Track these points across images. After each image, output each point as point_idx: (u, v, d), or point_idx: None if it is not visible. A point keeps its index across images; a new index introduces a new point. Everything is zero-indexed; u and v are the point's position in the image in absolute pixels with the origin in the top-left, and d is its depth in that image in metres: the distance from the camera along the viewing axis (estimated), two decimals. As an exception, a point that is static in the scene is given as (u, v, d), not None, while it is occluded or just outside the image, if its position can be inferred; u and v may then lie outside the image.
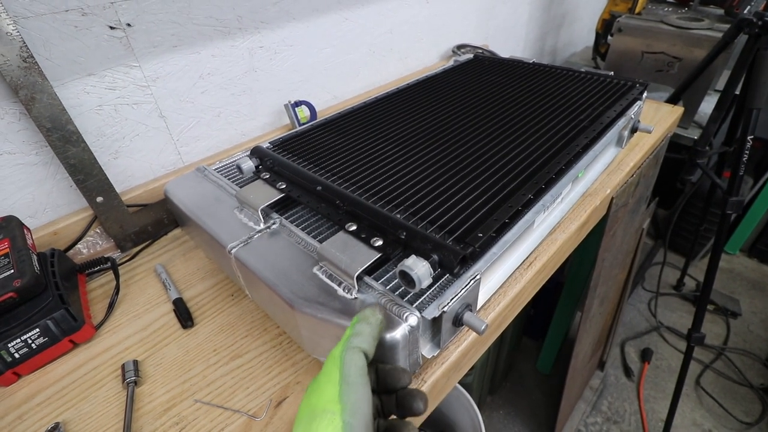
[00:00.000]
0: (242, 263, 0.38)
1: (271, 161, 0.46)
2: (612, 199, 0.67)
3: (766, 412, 1.24)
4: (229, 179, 0.50)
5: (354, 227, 0.36)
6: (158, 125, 0.65)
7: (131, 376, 0.41)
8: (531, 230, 0.47)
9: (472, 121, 0.54)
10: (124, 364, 0.42)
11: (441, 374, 0.40)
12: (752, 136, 0.85)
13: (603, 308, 1.02)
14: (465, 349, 0.43)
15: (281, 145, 0.51)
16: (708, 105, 1.00)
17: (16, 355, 0.42)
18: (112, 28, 0.55)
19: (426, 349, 0.36)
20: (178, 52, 0.62)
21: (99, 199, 0.57)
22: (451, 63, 0.80)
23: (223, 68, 0.68)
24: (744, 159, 0.88)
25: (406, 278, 0.31)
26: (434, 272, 0.32)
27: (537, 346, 1.41)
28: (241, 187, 0.46)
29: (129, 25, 0.56)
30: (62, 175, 0.57)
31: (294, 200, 0.42)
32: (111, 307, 0.50)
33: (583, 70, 0.67)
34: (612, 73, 0.67)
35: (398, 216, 0.37)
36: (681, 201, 1.31)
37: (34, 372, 0.44)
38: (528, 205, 0.40)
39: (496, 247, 0.37)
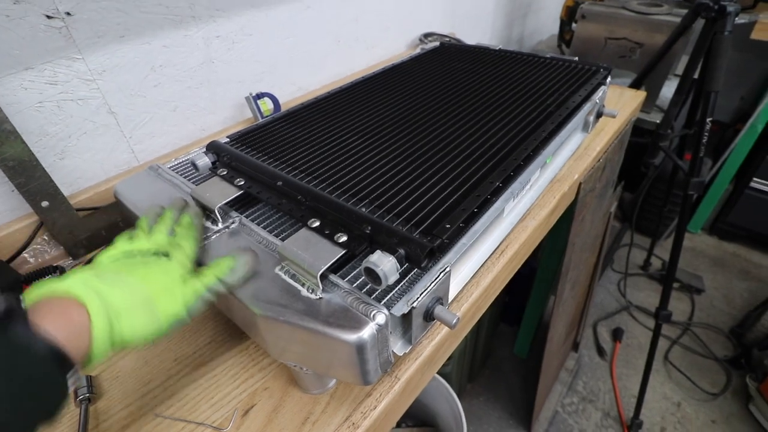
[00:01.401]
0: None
1: (228, 156, 0.43)
2: (580, 184, 0.68)
3: (730, 382, 1.31)
4: (185, 177, 0.47)
5: (317, 223, 0.34)
6: (108, 122, 0.60)
7: (84, 393, 0.38)
8: (501, 218, 0.47)
9: (438, 110, 0.52)
10: (74, 382, 0.39)
11: (415, 370, 0.39)
12: (710, 119, 0.88)
13: (575, 292, 1.04)
14: (439, 342, 0.42)
15: (239, 139, 0.49)
16: (669, 89, 1.02)
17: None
18: (49, 17, 0.51)
19: (397, 347, 0.35)
20: (126, 43, 0.58)
21: (44, 203, 0.53)
22: (417, 51, 0.79)
23: (177, 59, 0.64)
24: (704, 141, 0.90)
25: (372, 275, 0.30)
26: (401, 267, 0.31)
27: (513, 331, 1.44)
28: (197, 185, 0.43)
29: (68, 14, 0.52)
30: (1, 179, 0.52)
31: (254, 197, 0.40)
32: (61, 319, 0.46)
33: (548, 55, 0.67)
34: (577, 58, 0.67)
35: (363, 210, 0.36)
36: (645, 184, 1.35)
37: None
38: (496, 193, 0.39)
39: (465, 238, 0.36)
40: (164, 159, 0.67)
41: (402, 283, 0.34)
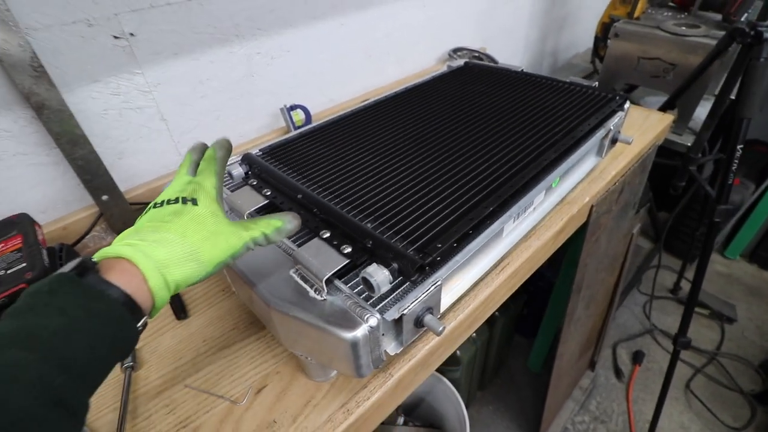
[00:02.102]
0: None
1: (258, 168, 0.50)
2: (592, 207, 0.70)
3: (755, 417, 1.25)
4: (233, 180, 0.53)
5: (327, 234, 0.40)
6: (160, 128, 0.68)
7: (129, 361, 0.46)
8: (500, 238, 0.50)
9: (451, 132, 0.56)
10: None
11: (408, 370, 0.44)
12: (741, 146, 0.86)
13: (590, 311, 1.04)
14: (433, 347, 0.46)
15: (270, 152, 0.55)
16: (703, 111, 1.01)
17: (26, 340, 0.46)
18: (116, 37, 0.59)
19: (390, 347, 0.39)
20: (178, 59, 0.66)
21: (104, 197, 0.62)
22: (444, 68, 0.83)
23: (221, 73, 0.72)
24: (733, 168, 0.89)
25: (368, 284, 0.34)
26: (395, 279, 0.35)
27: (529, 344, 1.44)
28: (232, 191, 0.49)
29: (132, 34, 0.60)
30: (71, 175, 0.61)
31: (277, 207, 0.45)
32: (112, 298, 0.54)
33: (568, 80, 0.69)
34: (596, 83, 0.69)
35: (368, 225, 0.41)
36: (679, 206, 1.32)
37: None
38: (491, 216, 0.43)
39: (459, 256, 0.40)
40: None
41: (397, 292, 0.38)
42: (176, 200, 0.33)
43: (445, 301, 0.44)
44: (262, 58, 0.76)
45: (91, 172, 0.60)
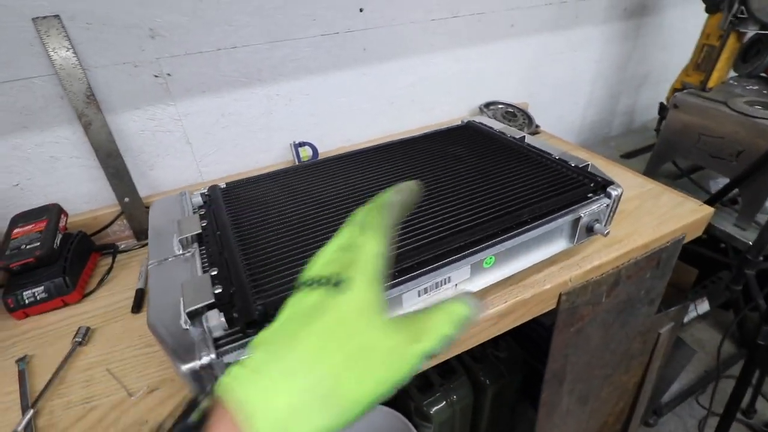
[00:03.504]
0: (149, 277, 0.50)
1: (211, 201, 0.58)
2: (561, 294, 0.64)
3: None
4: (195, 207, 0.63)
5: (215, 272, 0.45)
6: (185, 149, 0.82)
7: (79, 338, 0.57)
8: (398, 307, 0.50)
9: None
10: (79, 328, 0.58)
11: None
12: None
13: (588, 407, 0.92)
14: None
15: (231, 187, 0.63)
16: (780, 207, 0.83)
17: (26, 301, 0.60)
18: (156, 76, 0.74)
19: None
20: (206, 96, 0.79)
21: (126, 199, 0.77)
22: (448, 126, 0.83)
23: (242, 110, 0.83)
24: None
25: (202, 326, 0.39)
26: (231, 327, 0.39)
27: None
28: (195, 214, 0.58)
29: (169, 74, 0.74)
30: (105, 179, 0.77)
31: (201, 238, 0.52)
32: (100, 283, 0.67)
33: (557, 157, 0.65)
34: (589, 163, 0.64)
35: (246, 273, 0.45)
36: (743, 311, 1.08)
37: (35, 315, 0.62)
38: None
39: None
40: (223, 180, 0.87)
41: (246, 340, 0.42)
42: (323, 281, 0.23)
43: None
44: (281, 99, 0.86)
45: (119, 178, 0.75)
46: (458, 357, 1.08)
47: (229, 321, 0.39)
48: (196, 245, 0.53)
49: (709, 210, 0.74)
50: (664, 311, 0.87)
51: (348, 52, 0.87)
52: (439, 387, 1.02)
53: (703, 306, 1.47)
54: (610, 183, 0.59)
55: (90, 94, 0.68)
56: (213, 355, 0.39)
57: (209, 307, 0.41)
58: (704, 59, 1.03)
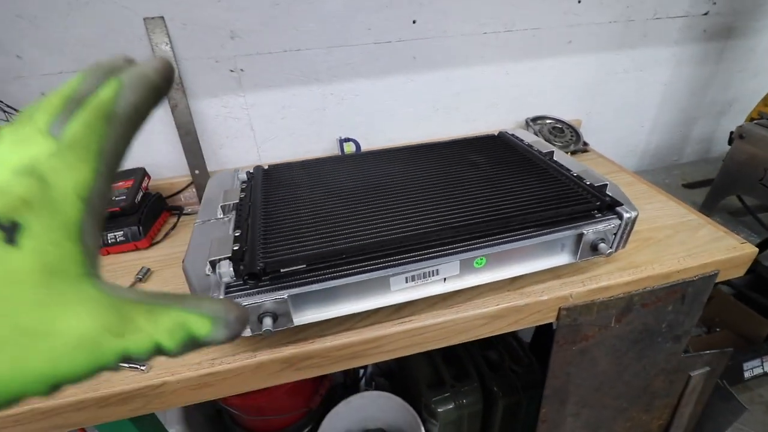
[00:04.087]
0: (193, 232, 0.61)
1: (253, 178, 0.69)
2: (560, 309, 0.65)
3: None
4: (240, 182, 0.74)
5: (238, 234, 0.55)
6: (249, 134, 0.96)
7: (140, 275, 0.71)
8: (386, 289, 0.56)
9: (405, 191, 0.64)
10: (141, 268, 0.72)
11: (271, 359, 0.55)
12: None
13: (597, 436, 0.88)
14: (306, 352, 0.56)
15: (272, 169, 0.73)
16: None
17: (109, 241, 0.76)
18: (231, 71, 0.87)
19: (246, 330, 0.52)
20: (270, 90, 0.91)
21: (196, 171, 0.92)
22: (480, 134, 0.87)
23: (300, 104, 0.94)
24: None
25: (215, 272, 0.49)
26: (237, 277, 0.48)
27: None
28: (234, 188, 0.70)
29: (242, 70, 0.88)
30: (181, 154, 0.92)
31: (239, 207, 0.63)
32: (166, 236, 0.82)
33: (575, 174, 0.66)
34: (607, 183, 0.63)
35: (261, 238, 0.54)
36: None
37: (114, 254, 0.78)
38: (362, 262, 0.51)
39: (316, 285, 0.50)
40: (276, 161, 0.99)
41: (252, 291, 0.50)
42: None
43: (309, 318, 0.54)
44: (334, 98, 0.96)
45: (192, 153, 0.90)
46: (474, 362, 1.09)
47: (236, 272, 0.48)
48: (234, 212, 0.64)
49: (751, 249, 0.69)
50: (696, 353, 0.81)
51: (398, 60, 0.94)
52: (450, 387, 1.04)
53: (773, 365, 1.30)
54: (619, 204, 0.59)
55: (179, 81, 0.83)
56: (221, 297, 0.48)
57: (227, 260, 0.50)
58: (794, 89, 0.93)
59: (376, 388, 1.33)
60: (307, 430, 1.14)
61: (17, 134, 0.16)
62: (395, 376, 1.43)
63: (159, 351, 0.18)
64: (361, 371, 1.39)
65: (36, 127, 0.16)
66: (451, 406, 1.03)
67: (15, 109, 0.78)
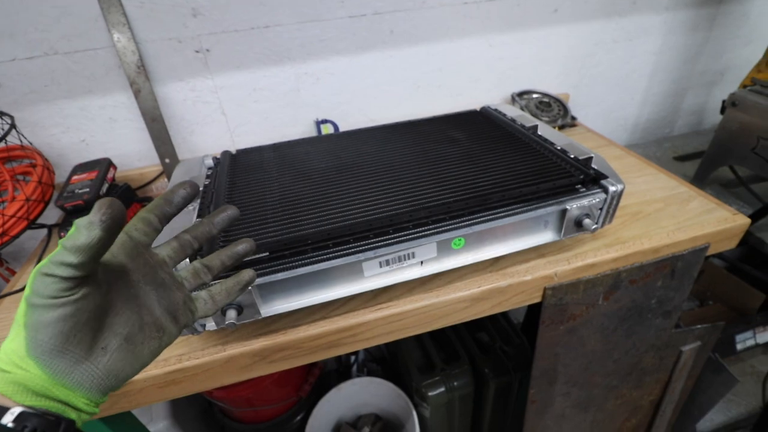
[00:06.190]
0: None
1: (219, 164, 0.65)
2: (545, 288, 0.62)
3: None
4: (207, 168, 0.70)
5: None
6: (220, 119, 0.91)
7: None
8: (359, 275, 0.53)
9: (381, 169, 0.60)
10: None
11: (241, 353, 0.52)
12: None
13: (591, 416, 0.87)
14: (281, 343, 0.53)
15: (240, 154, 0.69)
16: None
17: (75, 236, 0.73)
18: (197, 51, 0.82)
19: (210, 324, 0.49)
20: (240, 71, 0.86)
21: (166, 160, 0.87)
22: (462, 110, 0.83)
23: (272, 86, 0.90)
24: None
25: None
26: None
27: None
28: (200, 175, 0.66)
29: (208, 50, 0.83)
30: (150, 143, 0.88)
31: (204, 194, 0.59)
32: (135, 228, 0.78)
33: (559, 148, 0.63)
34: (592, 156, 0.60)
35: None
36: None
37: (82, 248, 0.74)
38: (330, 247, 0.48)
39: (282, 274, 0.47)
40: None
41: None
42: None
43: (278, 308, 0.51)
44: (309, 78, 0.91)
45: (161, 141, 0.85)
46: (464, 344, 1.08)
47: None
48: (199, 200, 0.60)
49: (743, 220, 0.66)
50: (687, 328, 0.79)
51: (375, 34, 0.89)
52: (440, 371, 1.03)
53: (765, 335, 1.30)
54: (604, 177, 0.56)
55: (140, 64, 0.78)
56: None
57: (185, 249, 0.47)
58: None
59: (369, 374, 1.31)
60: (299, 418, 1.13)
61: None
62: (387, 361, 1.42)
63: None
64: (353, 358, 1.37)
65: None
66: (441, 390, 1.02)
67: (-35, 100, 0.73)
